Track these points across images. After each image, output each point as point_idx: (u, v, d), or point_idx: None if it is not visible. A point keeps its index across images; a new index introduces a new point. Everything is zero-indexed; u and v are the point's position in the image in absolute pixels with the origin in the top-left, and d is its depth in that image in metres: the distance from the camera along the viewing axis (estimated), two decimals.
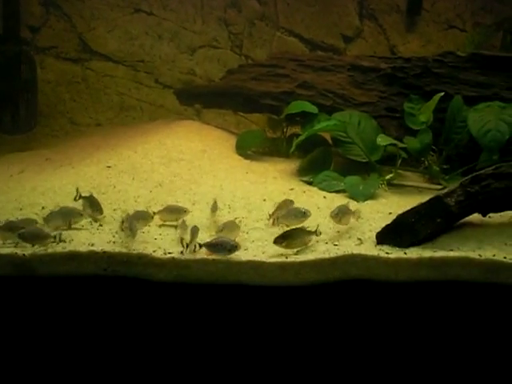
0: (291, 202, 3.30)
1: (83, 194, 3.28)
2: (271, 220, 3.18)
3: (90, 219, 3.18)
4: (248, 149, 4.41)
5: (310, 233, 2.95)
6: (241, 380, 2.93)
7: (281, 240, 2.90)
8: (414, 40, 5.22)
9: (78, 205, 3.23)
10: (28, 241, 2.86)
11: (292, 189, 3.76)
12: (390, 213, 3.33)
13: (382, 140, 3.85)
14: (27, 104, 5.03)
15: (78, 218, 3.10)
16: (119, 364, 2.94)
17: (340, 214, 3.09)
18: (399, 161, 3.91)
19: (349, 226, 3.18)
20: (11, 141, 4.92)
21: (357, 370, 2.92)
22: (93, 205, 3.22)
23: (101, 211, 3.22)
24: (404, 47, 5.21)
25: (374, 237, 3.02)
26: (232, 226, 3.03)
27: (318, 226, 2.98)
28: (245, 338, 2.91)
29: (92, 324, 2.90)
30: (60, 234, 2.89)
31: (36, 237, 2.87)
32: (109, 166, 3.87)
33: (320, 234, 2.97)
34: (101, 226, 3.14)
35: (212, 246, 2.82)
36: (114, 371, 2.94)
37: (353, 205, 3.55)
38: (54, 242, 2.87)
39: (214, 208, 3.24)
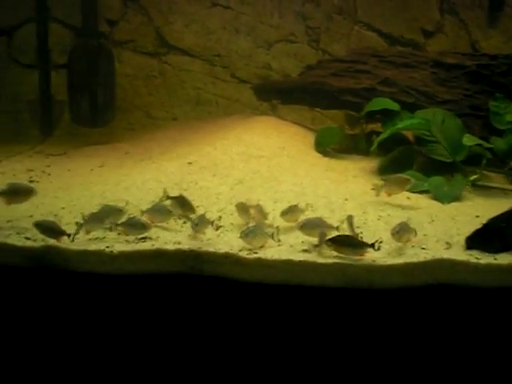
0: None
1: (171, 195, 3.27)
2: None
3: (175, 217, 3.17)
4: (327, 146, 4.40)
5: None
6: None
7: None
8: (497, 36, 5.11)
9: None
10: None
11: (373, 188, 3.68)
12: (477, 216, 3.28)
13: (469, 140, 3.78)
14: (105, 97, 5.09)
15: (168, 216, 3.12)
16: (199, 361, 2.95)
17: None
18: (484, 161, 3.84)
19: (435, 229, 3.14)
20: (89, 133, 5.02)
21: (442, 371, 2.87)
22: (184, 204, 3.22)
23: (193, 210, 3.21)
24: (486, 43, 5.11)
25: (463, 241, 2.96)
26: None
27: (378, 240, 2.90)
28: (329, 340, 2.89)
29: (175, 320, 2.92)
30: None
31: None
32: (190, 163, 3.92)
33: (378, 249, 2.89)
34: (185, 223, 3.15)
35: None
36: (195, 370, 2.98)
37: (437, 206, 3.54)
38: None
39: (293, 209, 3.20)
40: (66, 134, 5.09)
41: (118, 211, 3.10)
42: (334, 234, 2.93)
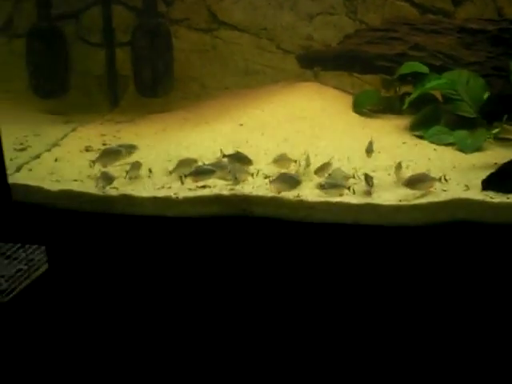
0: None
1: (226, 153, 3.67)
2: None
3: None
4: (364, 107, 4.66)
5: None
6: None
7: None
8: None
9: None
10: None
11: (405, 142, 4.05)
12: (495, 163, 3.55)
13: None
14: (164, 70, 5.41)
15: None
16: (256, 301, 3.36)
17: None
18: (505, 117, 4.03)
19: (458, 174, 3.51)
20: (151, 103, 5.33)
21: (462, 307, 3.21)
22: (241, 159, 3.62)
23: (251, 162, 3.63)
24: (510, 9, 5.17)
25: (480, 184, 3.30)
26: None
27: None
28: (361, 272, 3.28)
29: (230, 262, 3.34)
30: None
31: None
32: (241, 124, 4.30)
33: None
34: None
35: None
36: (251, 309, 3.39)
37: (461, 156, 3.85)
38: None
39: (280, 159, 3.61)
40: (130, 104, 5.38)
41: (193, 161, 3.60)
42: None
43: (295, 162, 3.64)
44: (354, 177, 3.47)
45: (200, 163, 3.59)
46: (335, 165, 3.60)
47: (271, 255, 3.31)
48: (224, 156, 3.66)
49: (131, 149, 3.83)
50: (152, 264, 3.42)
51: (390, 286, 3.27)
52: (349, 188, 3.32)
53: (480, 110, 3.63)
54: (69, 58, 5.61)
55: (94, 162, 3.72)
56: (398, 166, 3.51)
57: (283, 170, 3.51)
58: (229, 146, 3.86)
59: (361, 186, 3.38)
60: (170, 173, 3.60)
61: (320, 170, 3.51)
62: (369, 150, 3.69)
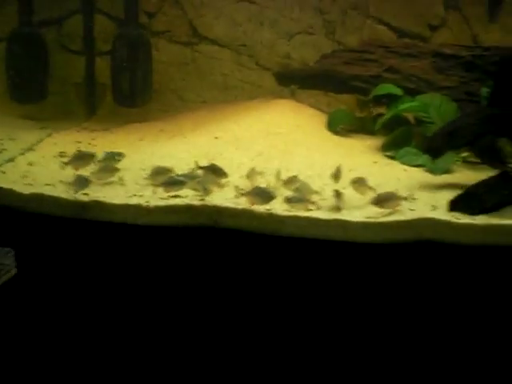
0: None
1: (201, 164, 3.67)
2: None
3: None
4: (338, 126, 4.74)
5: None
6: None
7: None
8: (496, 30, 5.33)
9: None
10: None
11: (376, 162, 4.13)
12: (463, 185, 3.54)
13: None
14: (143, 81, 5.42)
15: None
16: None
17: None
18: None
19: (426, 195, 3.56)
20: (129, 113, 5.37)
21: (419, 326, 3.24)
22: (215, 171, 3.64)
23: (225, 175, 3.64)
24: (486, 36, 5.33)
25: (447, 205, 3.33)
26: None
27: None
28: (327, 288, 3.30)
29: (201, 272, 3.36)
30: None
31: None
32: (216, 137, 4.34)
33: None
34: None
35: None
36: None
37: (430, 177, 3.91)
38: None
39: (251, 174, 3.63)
40: (108, 113, 5.42)
41: (168, 170, 3.62)
42: None
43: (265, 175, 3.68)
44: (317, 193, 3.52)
45: (173, 173, 3.61)
46: (306, 181, 3.62)
47: (241, 267, 3.33)
48: (199, 167, 3.68)
49: (119, 156, 3.85)
50: (121, 270, 3.43)
51: (355, 302, 3.30)
52: (313, 203, 3.35)
53: (423, 145, 3.71)
54: (48, 64, 5.60)
55: (66, 163, 3.75)
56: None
57: (255, 184, 3.54)
58: (203, 159, 3.87)
59: (330, 201, 3.42)
60: (144, 179, 3.63)
61: (287, 183, 3.55)
62: (336, 176, 3.68)
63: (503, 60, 3.86)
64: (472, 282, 3.19)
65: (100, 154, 3.85)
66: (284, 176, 3.67)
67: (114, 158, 3.83)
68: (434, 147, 3.68)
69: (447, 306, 3.23)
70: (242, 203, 3.34)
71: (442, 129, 3.75)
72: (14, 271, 2.99)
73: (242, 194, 3.38)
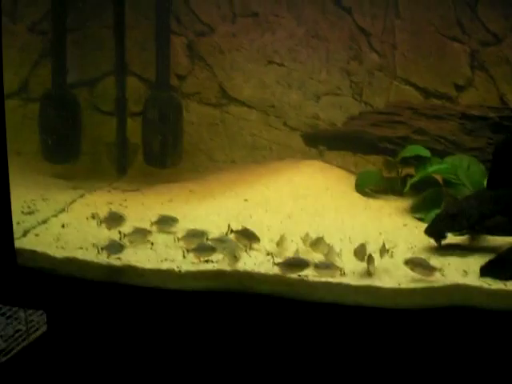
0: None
1: (234, 229, 3.72)
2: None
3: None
4: (366, 187, 4.76)
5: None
6: None
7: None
8: None
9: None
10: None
11: (405, 224, 4.11)
12: (494, 250, 3.57)
13: None
14: (174, 142, 5.56)
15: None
16: None
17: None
18: None
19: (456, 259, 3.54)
20: (159, 173, 5.47)
21: None
22: (248, 235, 3.67)
23: (258, 239, 3.66)
24: None
25: (478, 270, 3.33)
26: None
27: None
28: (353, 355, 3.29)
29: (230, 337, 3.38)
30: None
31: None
32: (246, 200, 4.39)
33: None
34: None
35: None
36: None
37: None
38: None
39: (281, 242, 3.62)
40: (138, 173, 5.50)
41: (202, 233, 3.68)
42: None
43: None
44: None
45: (209, 235, 3.66)
46: (337, 245, 3.64)
47: (272, 333, 3.33)
48: (232, 231, 3.72)
49: (173, 221, 3.92)
50: (150, 335, 3.44)
51: (387, 366, 3.28)
52: (341, 270, 3.35)
53: (426, 229, 3.72)
54: (81, 124, 5.74)
55: (101, 221, 3.87)
56: (383, 249, 3.53)
57: (285, 251, 3.56)
58: (233, 221, 3.91)
59: (360, 266, 3.42)
60: (178, 240, 3.68)
61: (316, 248, 3.57)
62: (359, 252, 3.57)
63: (500, 143, 3.91)
64: (504, 349, 3.16)
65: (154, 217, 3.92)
66: (313, 240, 3.68)
67: (168, 222, 3.91)
68: (436, 231, 3.69)
69: (478, 371, 3.19)
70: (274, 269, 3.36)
71: (444, 211, 3.76)
72: (43, 329, 3.05)
73: (275, 264, 3.37)
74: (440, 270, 3.32)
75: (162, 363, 3.44)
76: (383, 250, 3.48)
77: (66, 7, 5.66)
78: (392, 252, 3.59)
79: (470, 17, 5.49)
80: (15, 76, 5.98)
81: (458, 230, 3.69)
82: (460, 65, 5.49)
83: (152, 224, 3.86)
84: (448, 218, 3.67)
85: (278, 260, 3.39)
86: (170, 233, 3.85)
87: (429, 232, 3.69)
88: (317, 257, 3.48)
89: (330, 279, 3.29)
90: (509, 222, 3.62)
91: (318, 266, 3.34)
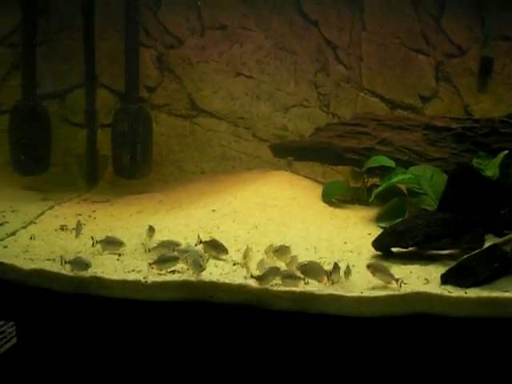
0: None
1: (203, 239, 3.74)
2: None
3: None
4: (332, 197, 4.81)
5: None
6: None
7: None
8: (486, 100, 5.49)
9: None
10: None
11: (370, 233, 4.11)
12: (455, 258, 3.57)
13: None
14: (143, 153, 5.57)
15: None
16: None
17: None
18: None
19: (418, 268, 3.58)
20: (130, 184, 5.50)
21: None
22: (216, 246, 3.69)
23: (226, 251, 3.67)
24: (477, 106, 5.49)
25: (439, 278, 3.37)
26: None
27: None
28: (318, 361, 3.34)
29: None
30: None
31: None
32: (213, 210, 4.40)
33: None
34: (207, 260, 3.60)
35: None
36: None
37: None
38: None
39: (247, 254, 3.64)
40: (108, 184, 5.55)
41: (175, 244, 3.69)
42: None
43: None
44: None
45: (182, 246, 3.68)
46: (302, 254, 3.68)
47: (237, 342, 3.36)
48: (201, 242, 3.75)
49: (150, 231, 3.94)
50: (119, 345, 3.46)
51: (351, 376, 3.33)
52: (304, 279, 3.38)
53: (373, 242, 3.79)
54: (50, 136, 5.73)
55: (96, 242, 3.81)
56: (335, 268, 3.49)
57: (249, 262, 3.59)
58: (201, 232, 3.94)
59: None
60: (149, 251, 3.70)
61: (280, 257, 3.60)
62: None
63: (456, 169, 3.98)
64: (464, 355, 3.21)
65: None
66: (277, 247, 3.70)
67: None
68: (383, 245, 3.77)
69: (440, 377, 3.25)
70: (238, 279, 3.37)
71: (392, 227, 3.83)
72: (13, 341, 3.05)
73: (252, 277, 3.37)
74: (399, 279, 3.37)
75: (132, 373, 3.46)
76: (347, 272, 3.47)
77: (35, 20, 5.67)
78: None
79: (435, 29, 5.59)
80: None
81: (402, 247, 3.76)
82: (425, 76, 5.59)
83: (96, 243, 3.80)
84: (395, 234, 3.74)
85: (247, 272, 3.41)
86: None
87: (375, 245, 3.77)
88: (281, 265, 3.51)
89: (293, 288, 3.32)
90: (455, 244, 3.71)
91: (283, 275, 3.38)
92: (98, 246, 3.76)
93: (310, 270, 3.40)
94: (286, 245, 3.68)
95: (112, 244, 3.76)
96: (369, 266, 3.40)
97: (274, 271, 3.35)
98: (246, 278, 3.38)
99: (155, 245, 3.73)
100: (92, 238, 3.79)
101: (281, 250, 3.63)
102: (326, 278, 3.37)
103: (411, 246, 3.75)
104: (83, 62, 5.60)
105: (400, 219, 4.19)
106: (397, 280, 3.35)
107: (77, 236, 3.95)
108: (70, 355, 3.50)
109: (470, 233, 3.66)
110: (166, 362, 3.44)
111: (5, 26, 5.93)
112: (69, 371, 3.49)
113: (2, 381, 3.27)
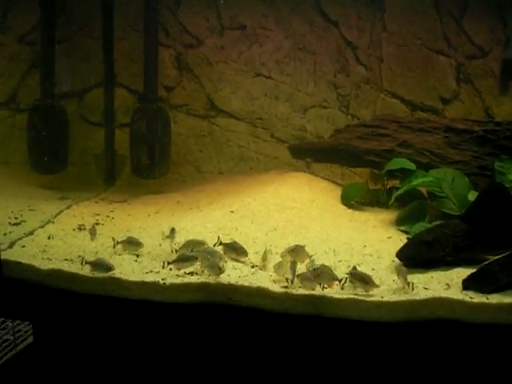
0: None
1: (223, 241, 3.72)
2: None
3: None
4: (352, 199, 4.79)
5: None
6: None
7: None
8: (507, 102, 5.43)
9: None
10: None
11: (390, 237, 4.13)
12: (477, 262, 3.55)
13: (473, 196, 4.12)
14: (161, 153, 5.57)
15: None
16: None
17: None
18: None
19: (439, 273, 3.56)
20: (147, 184, 5.50)
21: None
22: (236, 249, 3.67)
23: (246, 253, 3.65)
24: (498, 109, 5.43)
25: (461, 283, 3.34)
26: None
27: None
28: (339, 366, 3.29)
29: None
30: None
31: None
32: (232, 211, 4.38)
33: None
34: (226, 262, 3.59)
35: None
36: None
37: None
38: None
39: (265, 256, 3.62)
40: (126, 183, 5.56)
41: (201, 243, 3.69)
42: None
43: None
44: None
45: (206, 246, 3.67)
46: (322, 257, 3.66)
47: (254, 345, 3.33)
48: (220, 244, 3.73)
49: (172, 233, 3.90)
50: (136, 346, 3.44)
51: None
52: (320, 284, 3.35)
53: (397, 252, 3.71)
54: (69, 135, 5.76)
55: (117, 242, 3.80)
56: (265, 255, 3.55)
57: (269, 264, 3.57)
58: (219, 233, 3.91)
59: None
60: (176, 251, 3.69)
61: (293, 252, 3.57)
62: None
63: (489, 187, 3.91)
64: (485, 361, 3.16)
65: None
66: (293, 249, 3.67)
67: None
68: (409, 256, 3.67)
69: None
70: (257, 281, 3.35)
71: (417, 237, 3.75)
72: (30, 339, 3.06)
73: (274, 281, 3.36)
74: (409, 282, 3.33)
75: (149, 375, 3.43)
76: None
77: (54, 18, 5.69)
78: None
79: (456, 30, 5.55)
80: (4, 86, 6.03)
81: (433, 258, 3.67)
82: (446, 78, 5.54)
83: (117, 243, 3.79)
84: (422, 244, 3.66)
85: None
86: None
87: (400, 256, 3.67)
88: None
89: (312, 292, 3.29)
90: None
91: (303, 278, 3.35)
92: (118, 247, 3.75)
93: (320, 273, 3.37)
94: (301, 244, 3.65)
95: (132, 244, 3.75)
96: (351, 274, 3.35)
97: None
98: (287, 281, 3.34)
99: (180, 245, 3.73)
100: (113, 238, 3.78)
101: (296, 250, 3.60)
102: (336, 283, 3.34)
103: (442, 258, 3.68)
104: (102, 61, 5.61)
105: (421, 223, 4.19)
106: (408, 284, 3.32)
107: (92, 239, 3.93)
108: (86, 356, 3.48)
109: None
110: (184, 363, 3.41)
111: (24, 24, 5.96)
112: (85, 372, 3.47)
113: (18, 379, 3.27)
